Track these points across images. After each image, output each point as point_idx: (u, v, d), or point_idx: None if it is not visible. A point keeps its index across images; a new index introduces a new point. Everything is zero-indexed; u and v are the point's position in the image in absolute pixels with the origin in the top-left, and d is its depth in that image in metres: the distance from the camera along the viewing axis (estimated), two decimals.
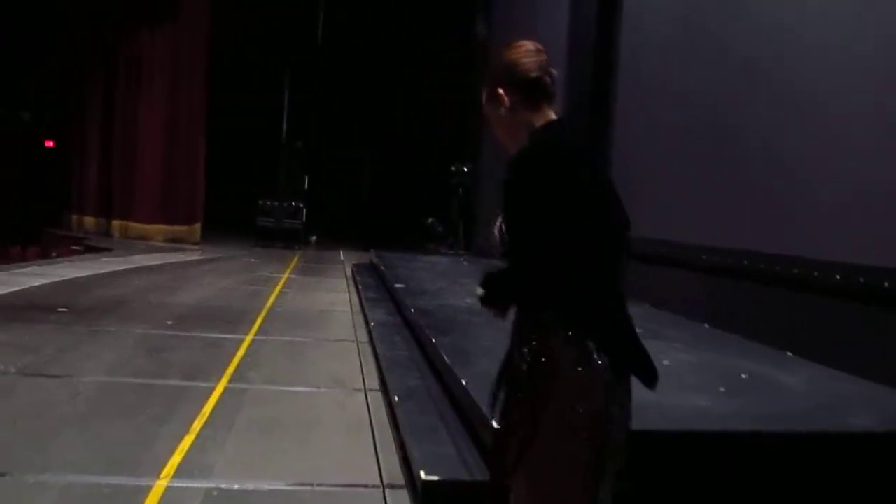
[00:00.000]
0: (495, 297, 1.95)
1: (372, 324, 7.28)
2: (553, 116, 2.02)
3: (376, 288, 10.17)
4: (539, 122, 2.00)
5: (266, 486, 3.62)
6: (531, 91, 2.00)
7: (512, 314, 2.06)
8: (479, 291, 1.95)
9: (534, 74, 2.00)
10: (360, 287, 10.46)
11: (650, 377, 1.93)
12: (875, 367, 4.80)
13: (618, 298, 1.93)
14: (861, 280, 6.13)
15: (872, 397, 4.21)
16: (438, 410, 4.26)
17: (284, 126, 20.66)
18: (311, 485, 3.66)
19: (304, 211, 18.99)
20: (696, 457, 3.24)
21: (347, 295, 10.61)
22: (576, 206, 1.84)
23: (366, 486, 3.70)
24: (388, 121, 20.93)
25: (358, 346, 7.05)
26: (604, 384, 1.86)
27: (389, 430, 4.49)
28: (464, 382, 3.99)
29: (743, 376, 4.53)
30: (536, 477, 1.85)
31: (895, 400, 4.18)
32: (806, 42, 6.81)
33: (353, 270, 12.94)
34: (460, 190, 18.23)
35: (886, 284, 5.87)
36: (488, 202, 18.83)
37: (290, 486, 3.65)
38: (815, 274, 6.64)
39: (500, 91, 2.01)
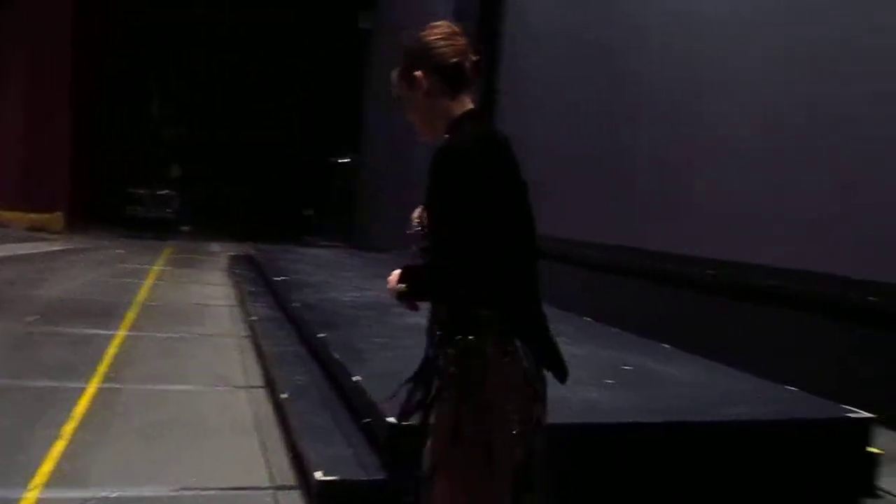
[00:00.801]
0: (418, 291, 1.88)
1: (253, 318, 7.06)
2: (470, 105, 1.97)
3: (256, 281, 9.89)
4: (457, 110, 1.95)
5: (148, 493, 3.42)
6: (449, 76, 1.94)
7: (424, 308, 2.00)
8: (400, 286, 1.87)
9: (452, 60, 1.94)
10: (238, 280, 10.15)
11: (562, 373, 1.94)
12: (749, 359, 5.07)
13: (536, 295, 1.92)
14: (732, 276, 6.48)
15: (751, 388, 4.43)
16: (329, 408, 4.15)
17: (156, 113, 19.78)
18: (198, 489, 3.49)
19: (177, 200, 18.29)
20: (588, 448, 3.31)
21: (225, 288, 10.28)
22: (507, 202, 1.84)
23: (256, 488, 3.57)
24: (268, 110, 20.38)
25: (238, 341, 6.83)
26: (532, 384, 1.87)
27: (277, 430, 4.36)
28: (356, 379, 3.91)
29: (627, 368, 4.67)
30: (463, 476, 1.82)
31: (771, 390, 4.42)
32: (691, 58, 7.19)
33: (230, 263, 12.54)
34: (340, 182, 18.07)
35: (755, 281, 6.23)
36: (369, 194, 18.75)
37: (174, 491, 3.46)
38: (690, 270, 6.97)
39: (418, 74, 1.94)
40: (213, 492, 3.49)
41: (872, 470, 3.82)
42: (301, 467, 3.57)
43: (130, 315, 7.64)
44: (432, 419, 1.89)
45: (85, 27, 17.32)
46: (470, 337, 1.81)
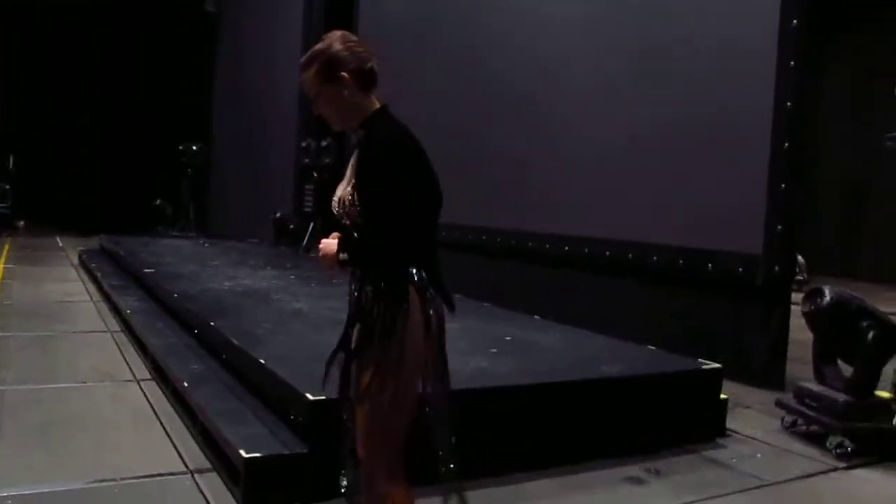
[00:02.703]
0: (360, 257, 2.25)
1: (127, 312, 6.97)
2: (377, 103, 2.36)
3: (117, 275, 9.62)
4: (370, 106, 2.34)
5: (64, 488, 3.45)
6: (366, 78, 2.34)
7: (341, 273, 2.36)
8: (343, 254, 2.22)
9: (369, 65, 2.35)
10: (96, 274, 9.83)
11: (451, 306, 2.37)
12: (609, 325, 5.64)
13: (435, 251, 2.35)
14: (586, 250, 7.08)
15: (614, 350, 4.96)
16: (235, 394, 4.29)
17: None
18: (115, 479, 3.56)
19: (11, 193, 17.18)
20: (484, 410, 3.68)
21: (81, 284, 9.94)
22: (430, 179, 2.29)
23: (172, 473, 3.69)
24: (110, 96, 19.32)
25: (112, 336, 6.74)
26: (443, 322, 2.31)
27: (178, 419, 4.45)
28: (262, 361, 4.08)
29: (507, 339, 5.09)
30: (379, 404, 2.22)
31: (630, 351, 4.98)
32: (546, 64, 7.77)
33: (81, 257, 12.05)
34: (190, 170, 17.57)
35: (608, 253, 6.85)
36: (220, 183, 18.41)
37: (91, 483, 3.51)
38: (547, 246, 7.54)
39: (344, 75, 2.30)
40: (130, 481, 3.56)
41: (724, 413, 4.46)
42: (217, 450, 3.71)
43: None
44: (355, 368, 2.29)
45: None
46: (401, 289, 2.21)
